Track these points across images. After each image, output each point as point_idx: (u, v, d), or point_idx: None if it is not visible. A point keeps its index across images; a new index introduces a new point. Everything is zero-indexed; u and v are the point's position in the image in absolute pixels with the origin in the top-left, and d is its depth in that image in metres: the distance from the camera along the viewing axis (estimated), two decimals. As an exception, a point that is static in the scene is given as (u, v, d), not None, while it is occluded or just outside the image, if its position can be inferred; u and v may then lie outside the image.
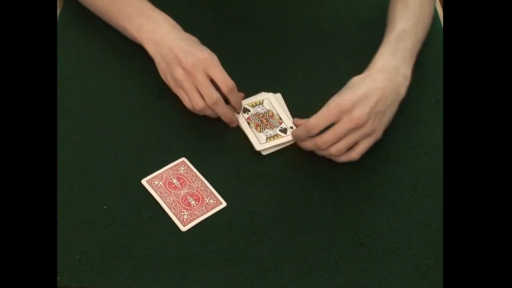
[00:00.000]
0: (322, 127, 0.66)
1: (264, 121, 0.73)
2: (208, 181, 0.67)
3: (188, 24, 0.76)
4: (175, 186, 0.66)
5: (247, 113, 0.74)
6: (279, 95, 0.76)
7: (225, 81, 0.69)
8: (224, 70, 0.70)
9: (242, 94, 0.74)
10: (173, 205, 0.65)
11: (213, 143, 0.71)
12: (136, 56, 0.78)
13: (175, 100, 0.74)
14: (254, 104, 0.75)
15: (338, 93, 0.68)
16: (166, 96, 0.74)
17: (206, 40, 0.75)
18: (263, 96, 0.76)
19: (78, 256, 0.61)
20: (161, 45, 0.72)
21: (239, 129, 0.73)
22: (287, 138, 0.71)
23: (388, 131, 0.73)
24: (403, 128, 0.74)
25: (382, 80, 0.68)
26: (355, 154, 0.68)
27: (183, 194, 0.66)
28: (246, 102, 0.75)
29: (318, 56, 0.82)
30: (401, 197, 0.68)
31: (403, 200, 0.67)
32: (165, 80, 0.73)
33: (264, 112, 0.74)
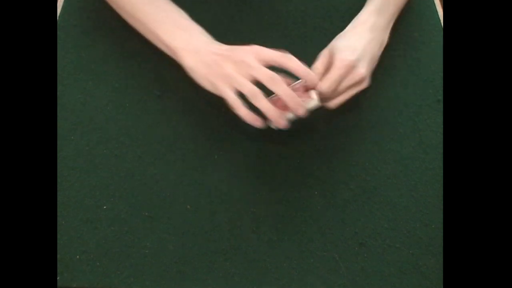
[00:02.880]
0: (335, 85, 0.69)
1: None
2: (208, 181, 0.68)
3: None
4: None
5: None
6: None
7: (279, 54, 0.66)
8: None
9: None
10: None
11: (213, 143, 0.71)
12: (136, 55, 0.78)
13: (176, 100, 0.74)
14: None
15: (335, 43, 0.72)
16: (167, 95, 0.74)
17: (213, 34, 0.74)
18: None
19: (78, 256, 0.61)
20: (202, 53, 0.69)
21: (239, 129, 0.73)
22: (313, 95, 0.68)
23: (389, 131, 0.73)
24: (403, 128, 0.74)
25: (371, 39, 0.74)
26: (342, 97, 0.72)
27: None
28: None
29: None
30: (401, 197, 0.68)
31: (403, 200, 0.67)
32: (205, 85, 0.69)
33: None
